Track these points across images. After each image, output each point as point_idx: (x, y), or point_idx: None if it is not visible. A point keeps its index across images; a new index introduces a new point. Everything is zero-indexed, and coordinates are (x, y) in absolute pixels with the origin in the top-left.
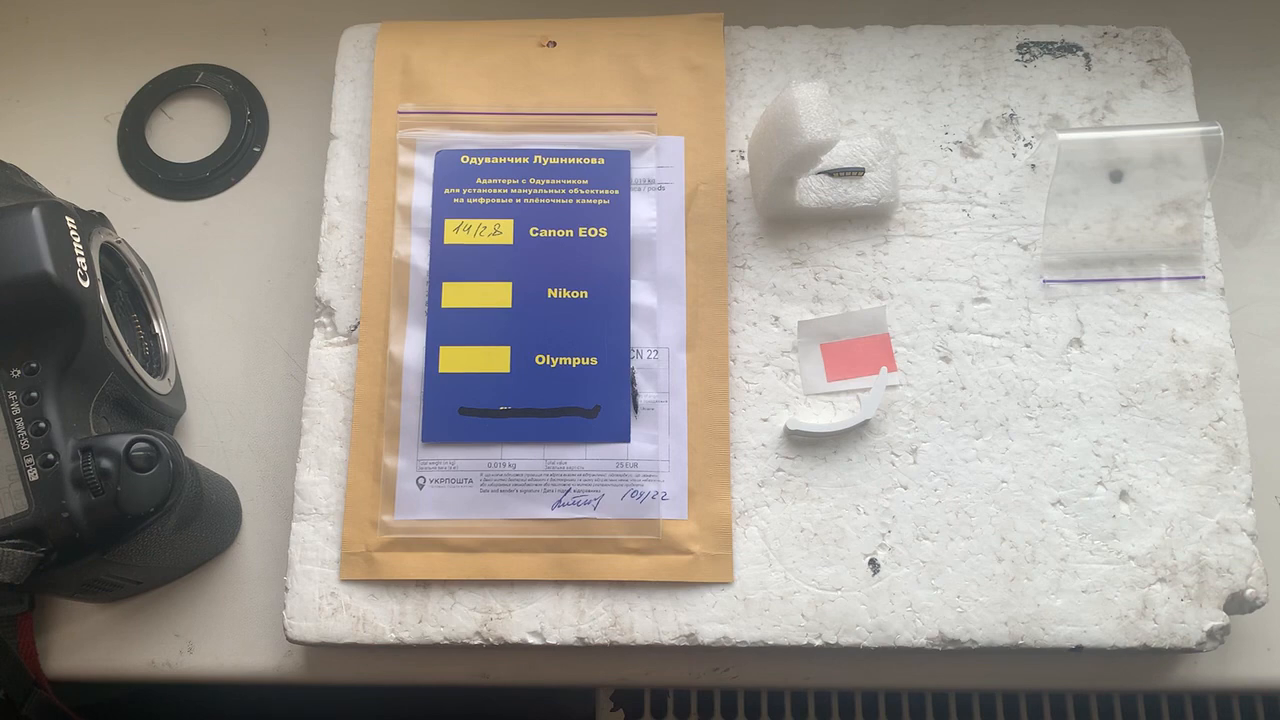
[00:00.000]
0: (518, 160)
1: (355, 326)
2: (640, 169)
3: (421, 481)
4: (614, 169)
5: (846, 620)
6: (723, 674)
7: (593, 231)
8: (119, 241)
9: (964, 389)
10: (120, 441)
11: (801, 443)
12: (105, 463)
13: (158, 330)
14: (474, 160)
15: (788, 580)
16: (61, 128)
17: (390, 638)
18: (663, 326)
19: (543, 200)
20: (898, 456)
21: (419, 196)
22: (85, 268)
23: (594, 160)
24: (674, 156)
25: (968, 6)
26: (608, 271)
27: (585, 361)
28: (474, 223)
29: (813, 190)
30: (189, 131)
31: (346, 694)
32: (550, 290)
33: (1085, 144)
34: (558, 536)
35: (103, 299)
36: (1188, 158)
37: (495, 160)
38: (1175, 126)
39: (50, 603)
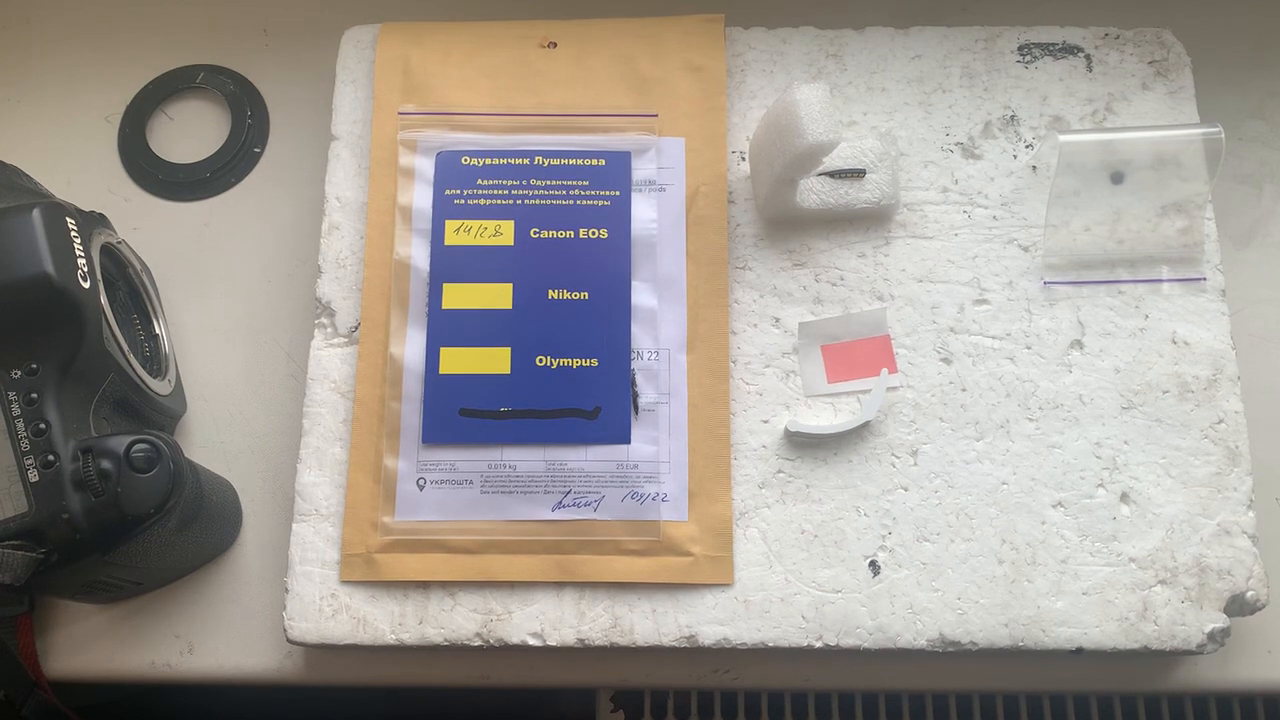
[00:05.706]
0: (518, 161)
1: (356, 328)
2: (641, 170)
3: (422, 483)
4: (615, 170)
5: (847, 622)
6: (723, 675)
7: (593, 233)
8: (119, 242)
9: (965, 391)
10: (120, 442)
11: (802, 444)
12: (105, 464)
13: (158, 331)
14: (475, 161)
15: (788, 582)
16: (61, 128)
17: (390, 639)
18: (663, 328)
19: (543, 201)
20: (898, 458)
21: (420, 197)
22: (85, 268)
23: (594, 161)
24: (675, 158)
25: (969, 7)
26: (608, 273)
27: (586, 363)
28: (475, 224)
29: (814, 191)
30: (189, 132)
31: (347, 695)
32: (551, 291)
33: (1086, 145)
34: (558, 538)
35: (103, 299)
36: (1189, 159)
37: (496, 161)
38: (1176, 128)
39: (50, 603)
